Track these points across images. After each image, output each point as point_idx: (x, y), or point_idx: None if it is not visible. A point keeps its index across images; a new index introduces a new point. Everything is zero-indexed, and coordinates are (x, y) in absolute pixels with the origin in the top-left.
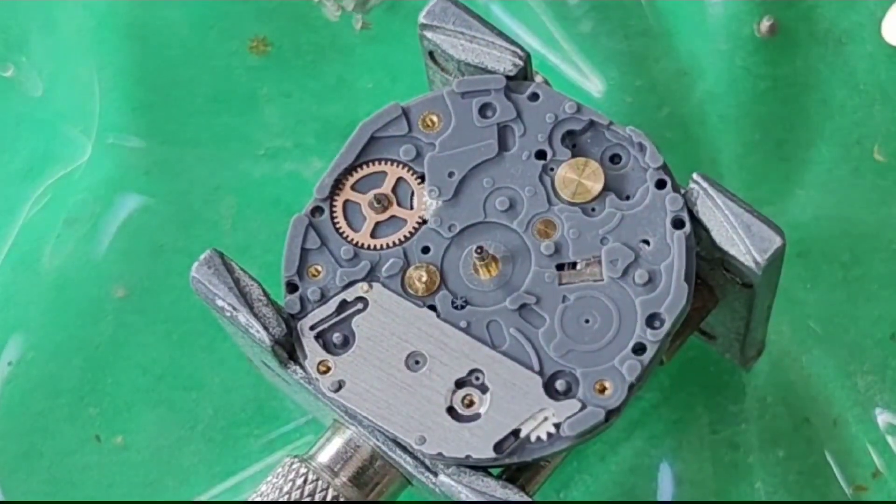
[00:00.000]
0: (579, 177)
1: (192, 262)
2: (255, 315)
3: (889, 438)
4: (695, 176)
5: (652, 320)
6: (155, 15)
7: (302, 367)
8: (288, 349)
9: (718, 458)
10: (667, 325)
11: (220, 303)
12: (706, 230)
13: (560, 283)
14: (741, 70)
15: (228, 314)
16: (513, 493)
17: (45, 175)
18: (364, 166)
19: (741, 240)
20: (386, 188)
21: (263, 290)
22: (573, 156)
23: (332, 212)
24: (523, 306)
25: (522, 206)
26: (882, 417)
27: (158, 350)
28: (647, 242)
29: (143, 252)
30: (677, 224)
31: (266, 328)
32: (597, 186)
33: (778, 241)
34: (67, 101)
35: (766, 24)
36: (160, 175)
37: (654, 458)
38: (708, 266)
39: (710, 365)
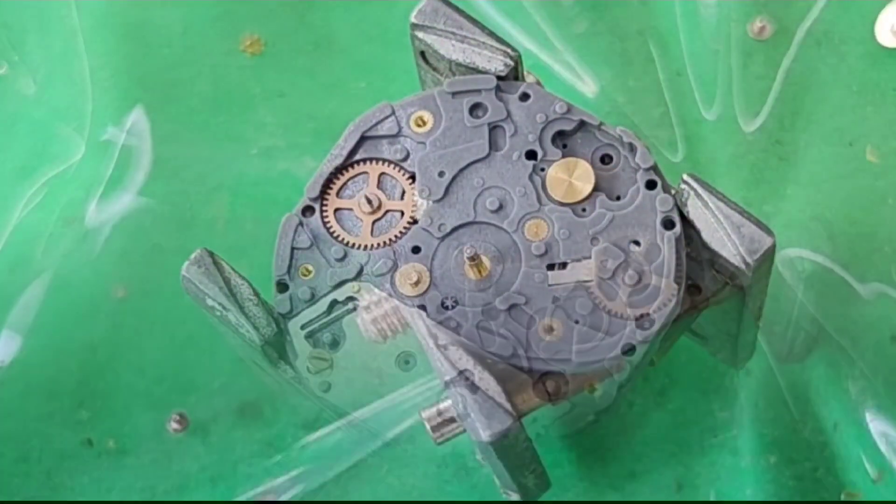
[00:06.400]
0: (570, 177)
1: None
2: (245, 314)
3: (881, 444)
4: (685, 176)
5: (641, 321)
6: (151, 15)
7: (292, 367)
8: (278, 348)
9: (711, 462)
10: (656, 326)
11: (210, 302)
12: (696, 231)
13: (550, 284)
14: (737, 70)
15: (218, 313)
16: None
17: (40, 173)
18: (356, 166)
19: (731, 240)
20: (377, 188)
21: (254, 290)
22: (564, 156)
23: (322, 211)
24: (513, 306)
25: (513, 206)
26: (874, 423)
27: (156, 352)
28: (637, 243)
29: (140, 252)
30: (667, 225)
31: (256, 328)
32: (587, 187)
33: (768, 242)
34: (62, 100)
35: (758, 25)
36: (156, 174)
37: (647, 461)
38: (698, 267)
39: (704, 370)
